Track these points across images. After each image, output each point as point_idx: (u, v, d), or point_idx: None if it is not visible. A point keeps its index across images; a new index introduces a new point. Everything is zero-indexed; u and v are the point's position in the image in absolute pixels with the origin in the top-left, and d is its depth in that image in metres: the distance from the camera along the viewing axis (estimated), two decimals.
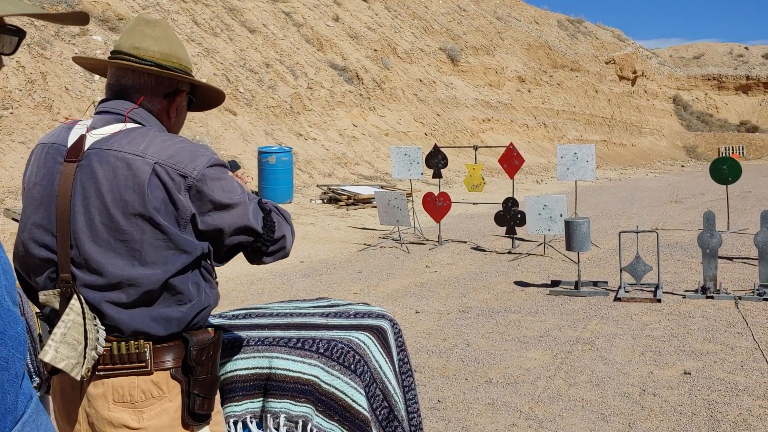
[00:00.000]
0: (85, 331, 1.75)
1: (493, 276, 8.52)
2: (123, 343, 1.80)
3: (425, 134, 24.68)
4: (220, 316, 2.64)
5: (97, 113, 1.92)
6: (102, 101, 1.94)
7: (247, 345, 2.32)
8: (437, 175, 11.31)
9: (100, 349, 1.78)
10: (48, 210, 1.84)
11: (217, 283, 1.99)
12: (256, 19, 23.05)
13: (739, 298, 6.91)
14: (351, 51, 25.78)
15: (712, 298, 6.97)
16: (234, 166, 2.15)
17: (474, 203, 14.11)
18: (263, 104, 19.28)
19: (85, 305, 1.77)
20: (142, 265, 1.78)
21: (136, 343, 1.80)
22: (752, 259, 8.62)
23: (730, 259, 8.95)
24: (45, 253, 1.84)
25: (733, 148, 44.36)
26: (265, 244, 1.93)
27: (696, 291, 7.17)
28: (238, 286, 8.06)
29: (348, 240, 11.35)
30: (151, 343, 1.81)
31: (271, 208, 1.98)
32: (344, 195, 15.23)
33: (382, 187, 16.39)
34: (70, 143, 1.85)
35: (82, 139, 1.84)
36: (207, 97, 2.11)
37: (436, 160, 11.17)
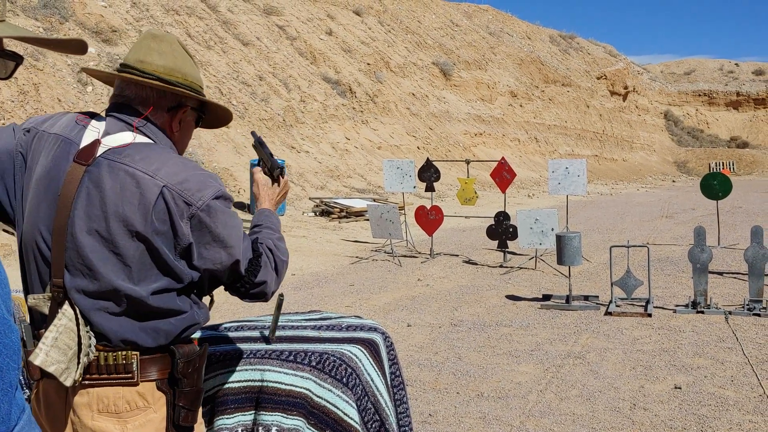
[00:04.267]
0: (79, 336, 1.75)
1: (484, 289, 8.53)
2: (110, 353, 1.80)
3: (418, 148, 24.74)
4: (211, 328, 2.64)
5: (107, 114, 1.92)
6: (109, 109, 1.95)
7: (239, 357, 2.32)
8: (430, 188, 11.34)
9: (92, 356, 1.78)
10: (50, 208, 1.82)
11: (208, 303, 1.99)
12: (249, 32, 23.11)
13: (729, 312, 6.94)
14: (344, 64, 25.86)
15: (702, 312, 7.00)
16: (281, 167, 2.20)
17: (466, 217, 14.14)
18: (256, 117, 19.31)
19: (78, 310, 1.77)
20: (131, 281, 1.78)
21: (123, 353, 1.80)
22: (742, 274, 8.66)
23: (721, 274, 8.99)
24: (43, 249, 1.83)
25: (723, 163, 44.61)
26: (244, 285, 1.92)
27: (686, 306, 7.20)
28: (229, 298, 8.04)
29: (340, 253, 11.35)
30: (138, 354, 1.81)
31: (263, 251, 1.94)
32: (336, 208, 15.23)
33: (374, 200, 16.41)
34: (83, 144, 1.85)
35: (95, 144, 1.84)
36: (216, 115, 2.10)
37: (428, 173, 11.20)
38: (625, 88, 47.80)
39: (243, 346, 2.41)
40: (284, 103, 21.03)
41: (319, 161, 19.68)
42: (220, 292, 6.49)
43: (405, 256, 10.90)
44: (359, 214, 14.94)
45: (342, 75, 25.05)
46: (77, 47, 1.32)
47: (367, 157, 21.95)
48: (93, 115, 1.94)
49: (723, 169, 41.81)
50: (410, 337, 6.43)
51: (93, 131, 1.88)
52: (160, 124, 1.94)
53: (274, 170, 2.22)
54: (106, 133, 1.86)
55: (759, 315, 6.84)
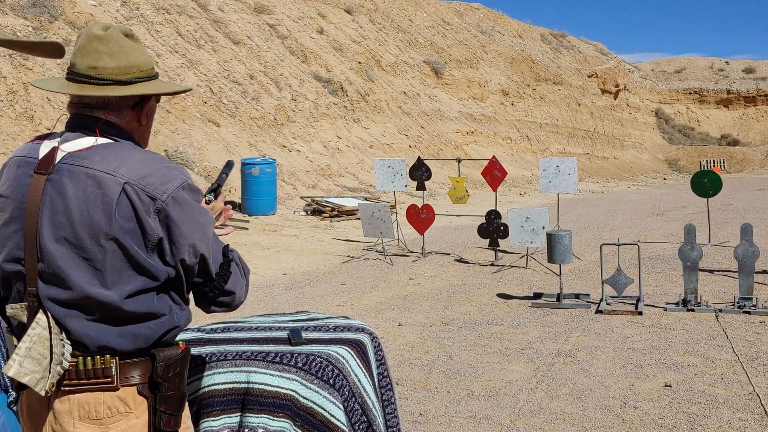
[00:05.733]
0: (51, 345, 1.73)
1: (476, 288, 8.53)
2: (89, 358, 1.78)
3: (409, 146, 24.73)
4: (198, 329, 2.62)
5: (68, 127, 1.90)
6: (71, 116, 1.92)
7: (225, 359, 2.30)
8: (421, 187, 11.33)
9: (66, 364, 1.75)
10: (18, 223, 1.81)
11: (187, 302, 1.96)
12: (240, 30, 23.05)
13: (720, 310, 6.95)
14: (335, 63, 25.83)
15: (692, 310, 7.01)
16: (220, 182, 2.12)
17: (457, 215, 14.14)
18: (247, 116, 19.26)
19: (51, 319, 1.75)
20: (102, 286, 1.75)
21: (102, 358, 1.78)
22: (732, 271, 8.68)
23: (711, 271, 9.01)
24: (14, 266, 1.82)
25: (714, 161, 44.78)
26: (213, 290, 1.89)
27: (677, 303, 7.21)
28: None
29: (331, 252, 11.33)
30: (117, 358, 1.79)
31: (234, 257, 1.94)
32: (328, 207, 15.21)
33: (366, 199, 16.39)
34: (41, 156, 1.83)
35: (53, 151, 1.82)
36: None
37: (419, 172, 11.19)
38: (616, 86, 47.91)
39: (229, 347, 2.39)
40: (275, 101, 20.98)
41: (311, 160, 19.65)
42: None
43: (396, 255, 10.89)
44: (351, 213, 14.92)
45: (333, 74, 25.02)
46: (54, 50, 1.30)
47: (359, 155, 21.92)
48: (51, 134, 1.91)
49: (714, 166, 41.96)
50: (401, 336, 6.42)
51: (51, 142, 1.86)
52: (126, 123, 1.90)
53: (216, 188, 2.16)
54: (65, 140, 1.84)
55: (749, 313, 6.86)
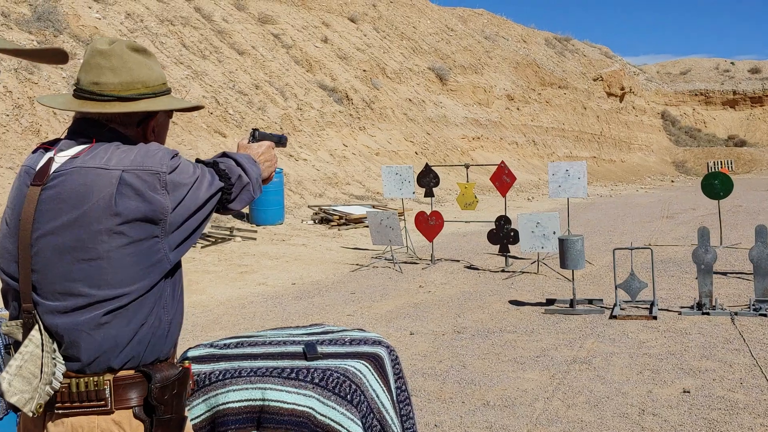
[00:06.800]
0: (42, 364, 1.67)
1: (487, 295, 8.45)
2: (81, 379, 1.72)
3: (416, 153, 24.68)
4: (211, 345, 2.57)
5: (67, 134, 1.86)
6: (72, 123, 1.89)
7: (240, 376, 2.25)
8: (429, 193, 11.27)
9: (56, 384, 1.69)
10: (13, 236, 1.78)
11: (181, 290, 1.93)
12: (244, 41, 23.07)
13: (735, 313, 6.86)
14: (340, 72, 25.83)
15: (708, 314, 6.92)
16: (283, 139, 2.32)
17: (466, 221, 14.07)
18: (253, 126, 19.24)
19: (45, 336, 1.69)
20: (108, 286, 1.71)
21: (95, 379, 1.72)
22: (746, 273, 8.59)
23: (725, 274, 8.92)
24: (10, 281, 1.78)
25: (721, 162, 44.60)
26: (228, 192, 1.91)
27: (692, 307, 7.13)
28: (229, 310, 7.96)
29: (340, 260, 11.27)
30: (111, 379, 1.73)
31: (215, 160, 1.96)
32: (336, 215, 15.16)
33: (373, 207, 16.34)
34: (38, 167, 1.80)
35: (49, 162, 1.79)
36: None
37: (427, 178, 11.13)
38: (622, 89, 47.81)
39: (243, 363, 2.33)
40: (281, 111, 20.98)
41: (317, 169, 19.61)
42: (217, 303, 6.43)
43: (406, 262, 10.82)
44: (359, 221, 14.86)
45: (338, 82, 25.01)
46: (58, 56, 1.26)
47: (366, 163, 21.88)
48: (57, 140, 1.89)
49: (721, 168, 41.79)
50: (413, 346, 6.35)
51: (50, 152, 1.84)
52: (131, 136, 1.89)
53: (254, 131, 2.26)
54: (60, 150, 1.82)
55: (765, 315, 6.77)
